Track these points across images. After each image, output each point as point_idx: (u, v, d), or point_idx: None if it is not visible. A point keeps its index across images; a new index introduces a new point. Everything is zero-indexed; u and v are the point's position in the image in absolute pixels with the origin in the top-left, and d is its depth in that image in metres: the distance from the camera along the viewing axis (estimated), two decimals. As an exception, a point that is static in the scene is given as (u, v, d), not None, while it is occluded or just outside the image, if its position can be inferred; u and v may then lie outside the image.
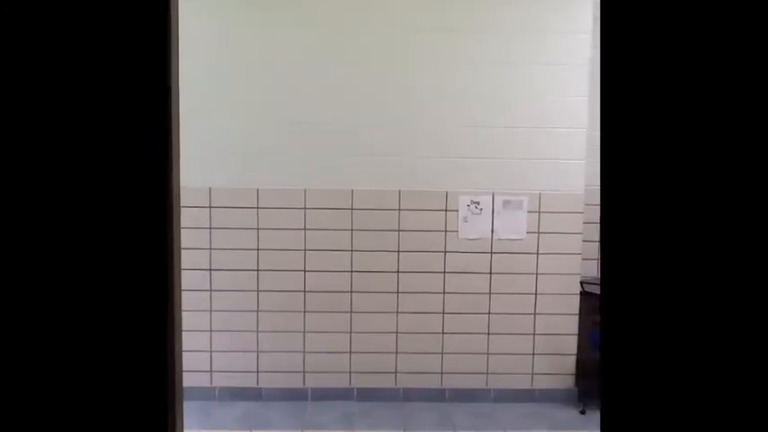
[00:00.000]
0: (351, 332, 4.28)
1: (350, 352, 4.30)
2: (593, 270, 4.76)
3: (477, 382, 4.37)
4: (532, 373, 4.38)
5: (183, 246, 1.46)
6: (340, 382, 4.32)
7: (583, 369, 4.40)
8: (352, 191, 4.21)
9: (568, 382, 4.40)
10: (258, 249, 4.21)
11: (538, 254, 4.28)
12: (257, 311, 4.25)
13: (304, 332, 4.27)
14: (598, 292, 4.27)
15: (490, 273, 4.29)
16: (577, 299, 4.34)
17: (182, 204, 1.38)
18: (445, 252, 4.27)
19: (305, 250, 4.22)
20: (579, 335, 4.38)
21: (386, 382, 4.34)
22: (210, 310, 4.24)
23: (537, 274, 4.30)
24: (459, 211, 4.24)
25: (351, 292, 4.25)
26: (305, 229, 4.20)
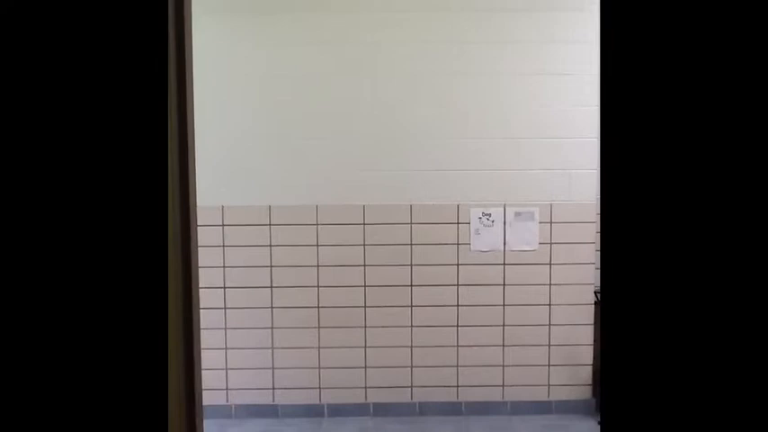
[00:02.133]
0: (365, 347, 4.28)
1: (365, 367, 4.29)
2: (607, 279, 4.72)
3: (494, 395, 4.34)
4: (549, 385, 4.35)
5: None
6: (356, 397, 4.31)
7: (600, 379, 4.37)
8: (364, 206, 4.22)
9: (586, 392, 4.37)
10: (271, 266, 4.23)
11: (551, 264, 4.27)
12: (272, 328, 4.26)
13: (319, 348, 4.28)
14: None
15: (503, 284, 4.28)
16: (592, 309, 4.31)
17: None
18: (458, 265, 4.26)
19: (318, 266, 4.23)
20: (595, 345, 4.36)
21: (401, 397, 4.32)
22: (225, 328, 4.25)
23: (550, 284, 4.28)
24: (471, 224, 4.24)
25: (365, 306, 4.25)
26: (317, 245, 4.21)
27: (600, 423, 4.18)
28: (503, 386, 4.33)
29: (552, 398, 4.36)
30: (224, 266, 4.21)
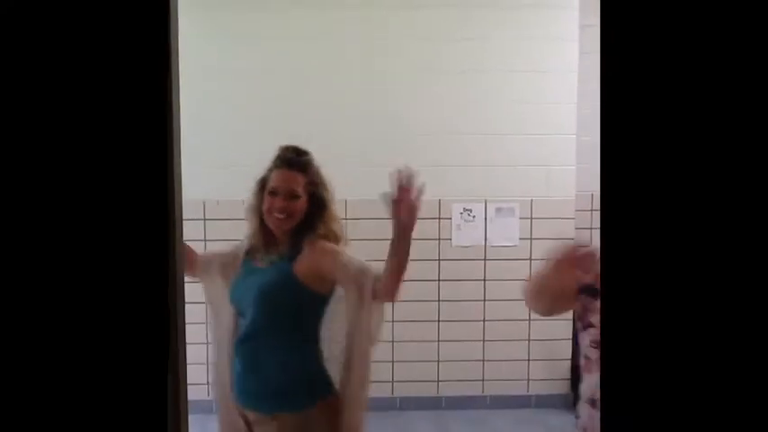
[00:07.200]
0: (346, 342, 4.28)
1: (346, 362, 4.29)
2: (586, 275, 4.77)
3: (473, 389, 4.38)
4: (528, 379, 4.40)
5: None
6: (337, 391, 4.31)
7: (578, 373, 4.42)
8: (346, 201, 4.22)
9: (564, 387, 4.42)
10: (253, 261, 4.21)
11: (531, 260, 4.31)
12: (253, 323, 4.24)
13: (300, 343, 4.27)
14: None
15: (484, 280, 4.31)
16: (571, 304, 4.36)
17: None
18: (439, 260, 4.28)
19: (299, 261, 4.21)
20: (573, 340, 4.41)
21: (382, 392, 4.33)
22: (206, 323, 4.23)
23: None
24: (453, 219, 4.26)
25: (346, 301, 4.25)
26: (299, 239, 4.20)
27: (578, 417, 4.23)
28: (482, 380, 4.37)
29: (531, 392, 4.40)
30: (205, 261, 4.19)
